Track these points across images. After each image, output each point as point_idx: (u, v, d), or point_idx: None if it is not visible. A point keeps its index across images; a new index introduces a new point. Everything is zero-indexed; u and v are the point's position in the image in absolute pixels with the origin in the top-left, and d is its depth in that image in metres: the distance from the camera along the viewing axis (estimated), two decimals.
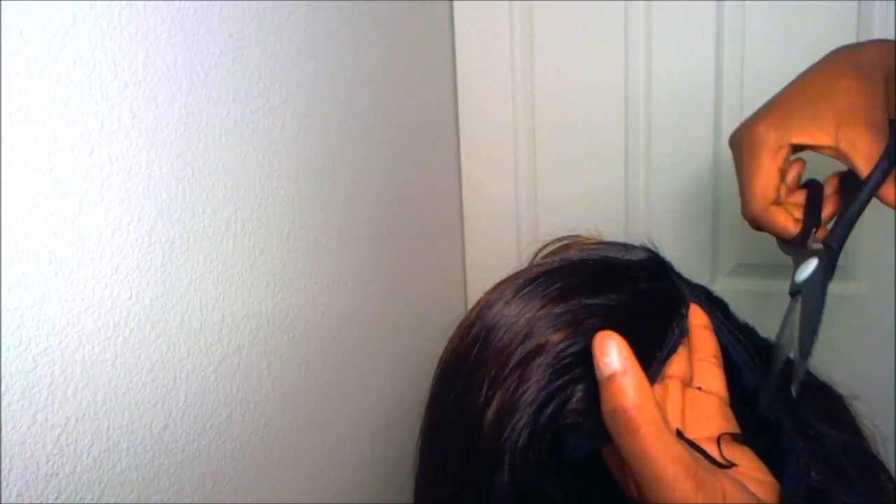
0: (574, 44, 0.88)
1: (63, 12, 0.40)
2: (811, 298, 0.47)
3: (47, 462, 0.41)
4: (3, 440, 0.38)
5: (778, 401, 0.40)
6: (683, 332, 0.41)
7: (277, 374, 0.60)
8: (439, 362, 0.44)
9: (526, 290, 0.42)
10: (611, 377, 0.34)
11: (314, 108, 0.64)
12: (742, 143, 0.54)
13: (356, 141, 0.70)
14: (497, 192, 0.95)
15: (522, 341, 0.39)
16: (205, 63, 0.51)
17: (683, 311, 0.42)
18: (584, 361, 0.37)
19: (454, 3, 0.91)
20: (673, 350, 0.40)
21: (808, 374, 0.44)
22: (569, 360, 0.38)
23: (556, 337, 0.39)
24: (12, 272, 0.38)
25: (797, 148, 0.52)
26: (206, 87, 0.51)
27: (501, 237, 0.95)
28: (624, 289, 0.42)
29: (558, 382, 0.37)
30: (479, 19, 0.91)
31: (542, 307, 0.40)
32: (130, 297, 0.46)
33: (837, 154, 0.50)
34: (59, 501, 0.41)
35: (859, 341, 0.83)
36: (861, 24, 0.77)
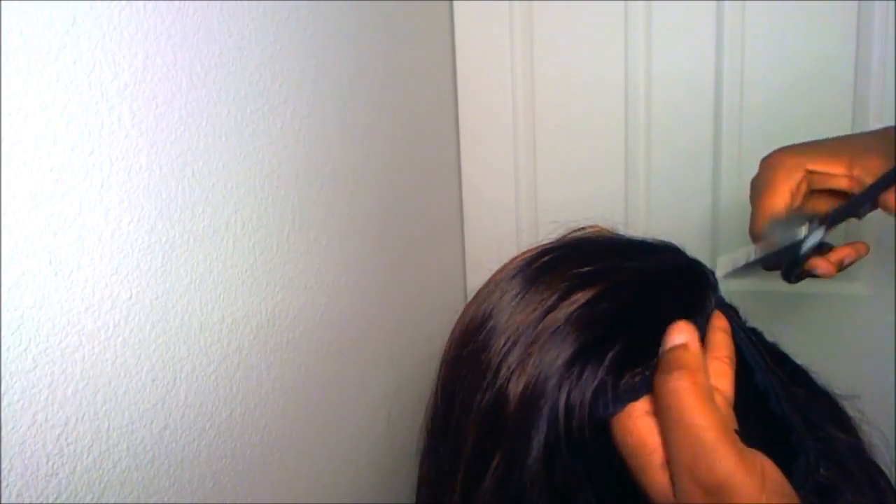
0: (574, 44, 0.88)
1: (63, 12, 0.40)
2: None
3: (47, 462, 0.41)
4: (3, 440, 0.38)
5: (788, 401, 0.40)
6: (720, 300, 0.42)
7: (277, 374, 0.60)
8: (453, 335, 0.43)
9: (547, 258, 0.42)
10: (673, 348, 0.36)
11: (314, 108, 0.64)
12: (761, 168, 0.57)
13: (356, 141, 0.70)
14: (497, 192, 0.95)
15: (545, 301, 0.39)
16: (205, 63, 0.51)
17: (713, 280, 0.43)
18: (617, 323, 0.38)
19: (454, 3, 0.91)
20: (709, 316, 0.41)
21: (812, 379, 0.44)
22: (598, 320, 0.38)
23: (581, 296, 0.38)
24: (12, 272, 0.38)
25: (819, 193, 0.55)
26: (206, 87, 0.51)
27: (501, 237, 0.95)
28: (653, 257, 0.42)
29: (590, 344, 0.37)
30: (479, 19, 0.91)
31: (565, 271, 0.40)
32: (130, 297, 0.46)
33: (850, 181, 0.53)
34: (59, 501, 0.41)
35: (859, 341, 0.83)
36: (861, 24, 0.77)
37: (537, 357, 0.37)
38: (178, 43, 0.48)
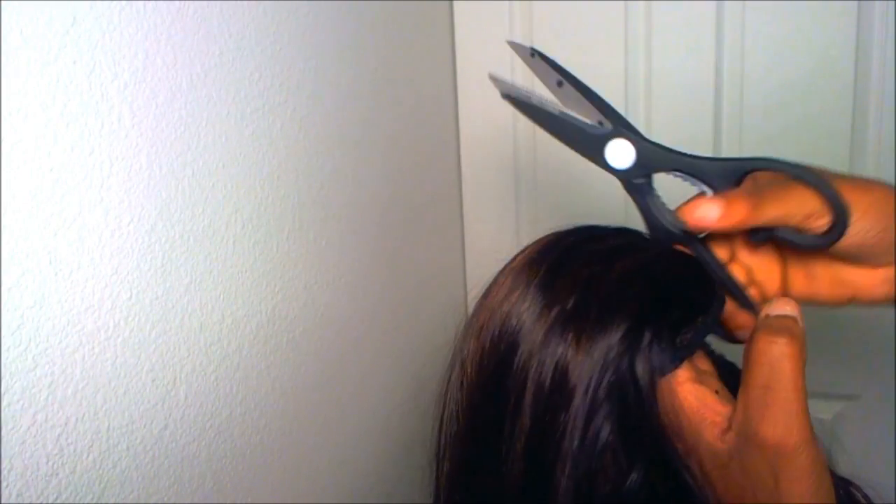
0: (574, 44, 0.88)
1: (63, 12, 0.40)
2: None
3: (47, 462, 0.41)
4: (3, 440, 0.38)
5: None
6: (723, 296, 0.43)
7: (277, 374, 0.60)
8: (481, 349, 0.43)
9: (564, 242, 0.44)
10: (786, 316, 0.38)
11: (314, 108, 0.64)
12: None
13: (356, 141, 0.70)
14: (497, 191, 0.95)
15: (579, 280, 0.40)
16: (205, 63, 0.51)
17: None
18: (663, 289, 0.40)
19: (454, 3, 0.91)
20: (723, 299, 0.42)
21: None
22: (624, 303, 0.39)
23: (619, 265, 0.41)
24: (12, 272, 0.38)
25: None
26: (206, 87, 0.51)
27: (501, 237, 0.95)
28: (654, 247, 0.44)
29: (631, 328, 0.39)
30: (479, 19, 0.91)
31: (588, 249, 0.43)
32: (130, 297, 0.46)
33: None
34: (59, 501, 0.41)
35: (859, 342, 0.83)
36: (861, 24, 0.77)
37: (593, 327, 0.39)
38: (178, 43, 0.48)
